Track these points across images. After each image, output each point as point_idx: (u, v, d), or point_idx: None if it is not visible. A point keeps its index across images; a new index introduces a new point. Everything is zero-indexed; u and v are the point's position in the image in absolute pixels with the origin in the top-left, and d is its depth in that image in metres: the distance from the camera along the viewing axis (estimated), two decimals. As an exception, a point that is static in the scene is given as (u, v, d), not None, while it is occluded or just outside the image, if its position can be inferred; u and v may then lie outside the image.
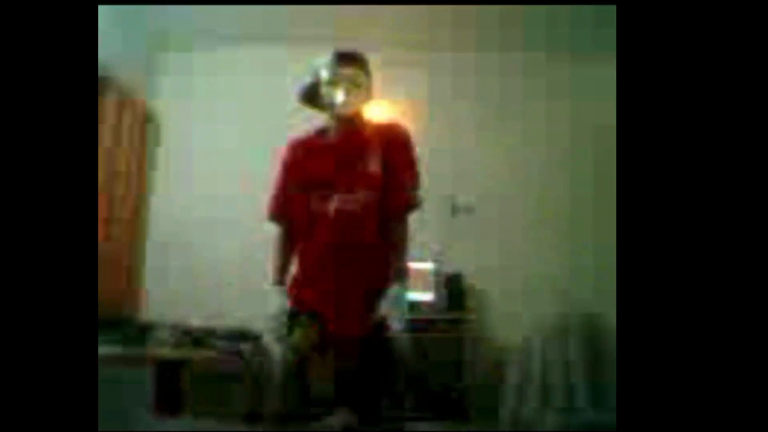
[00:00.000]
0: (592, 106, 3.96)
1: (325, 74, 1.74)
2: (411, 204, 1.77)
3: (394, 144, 1.78)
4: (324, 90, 1.75)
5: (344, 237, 1.70)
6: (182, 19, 3.75)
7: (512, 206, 3.86)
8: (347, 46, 1.81)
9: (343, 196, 1.71)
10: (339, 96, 1.71)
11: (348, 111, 1.74)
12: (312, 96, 1.81)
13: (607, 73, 3.68)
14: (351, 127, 1.78)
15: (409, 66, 3.96)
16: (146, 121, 3.79)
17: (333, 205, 1.71)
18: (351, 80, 1.73)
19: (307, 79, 1.81)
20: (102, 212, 3.23)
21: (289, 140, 1.90)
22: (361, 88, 1.76)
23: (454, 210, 3.70)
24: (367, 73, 1.80)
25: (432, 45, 3.99)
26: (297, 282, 1.81)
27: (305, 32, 3.86)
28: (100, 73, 3.09)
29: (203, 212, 3.81)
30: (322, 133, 1.85)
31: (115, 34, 3.40)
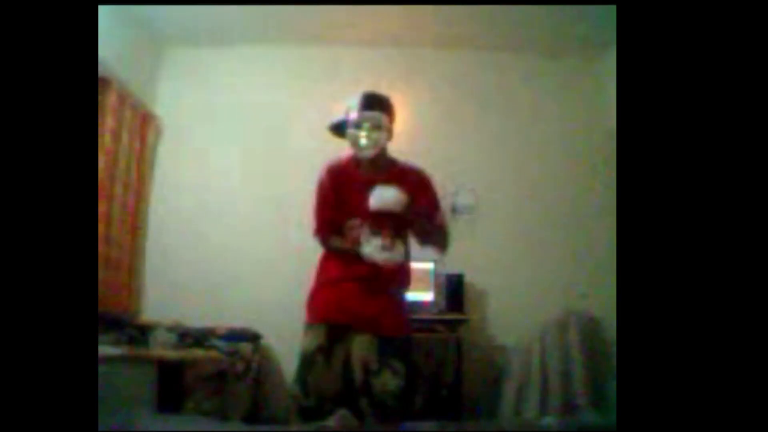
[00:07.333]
0: (594, 106, 3.96)
1: (352, 116, 1.87)
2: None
3: (420, 186, 1.96)
4: (350, 131, 1.88)
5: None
6: (183, 20, 3.74)
7: (512, 206, 3.86)
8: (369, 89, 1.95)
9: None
10: (361, 140, 1.86)
11: (367, 154, 1.89)
12: (341, 131, 1.96)
13: (609, 74, 3.70)
14: (378, 162, 1.93)
15: (410, 65, 3.98)
16: (146, 121, 3.79)
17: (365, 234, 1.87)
18: (374, 123, 1.87)
19: (340, 117, 1.96)
20: (102, 212, 3.23)
21: (326, 166, 2.02)
22: (382, 130, 1.89)
23: (454, 210, 3.70)
24: (391, 115, 1.93)
25: (432, 43, 3.98)
26: (323, 286, 1.96)
27: (306, 33, 3.88)
28: (100, 73, 3.09)
29: (203, 212, 3.81)
30: (353, 161, 1.98)
31: (115, 34, 3.40)
